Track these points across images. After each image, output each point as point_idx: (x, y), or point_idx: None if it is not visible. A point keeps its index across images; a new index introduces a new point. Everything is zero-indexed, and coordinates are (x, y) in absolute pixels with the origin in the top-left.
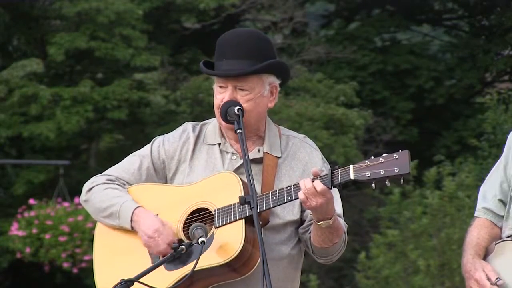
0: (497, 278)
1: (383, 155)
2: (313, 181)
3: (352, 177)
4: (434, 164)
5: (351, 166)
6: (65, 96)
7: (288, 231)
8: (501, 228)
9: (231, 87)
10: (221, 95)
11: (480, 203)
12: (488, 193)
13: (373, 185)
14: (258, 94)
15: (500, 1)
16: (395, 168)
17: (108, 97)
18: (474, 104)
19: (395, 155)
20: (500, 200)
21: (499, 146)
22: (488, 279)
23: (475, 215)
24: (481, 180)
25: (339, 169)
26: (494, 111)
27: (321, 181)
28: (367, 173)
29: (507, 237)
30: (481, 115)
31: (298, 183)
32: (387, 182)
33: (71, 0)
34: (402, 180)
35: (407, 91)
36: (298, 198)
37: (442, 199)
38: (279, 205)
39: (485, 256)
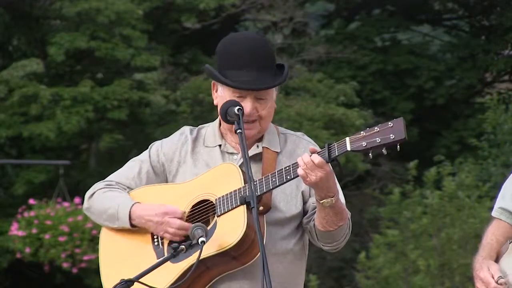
0: (499, 277)
1: (378, 125)
2: (310, 156)
3: (349, 148)
4: (434, 164)
5: (347, 138)
6: (65, 96)
7: (291, 226)
8: None
9: (251, 98)
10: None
11: (498, 202)
12: (508, 192)
13: (370, 154)
14: (271, 101)
15: (500, 1)
16: (391, 135)
17: (108, 97)
18: (474, 104)
19: (390, 123)
20: None
21: (499, 146)
22: (493, 277)
23: (492, 214)
24: (482, 180)
25: (335, 143)
26: (494, 111)
27: (318, 155)
28: (363, 143)
29: None
30: (481, 115)
31: (296, 162)
32: (384, 151)
33: (71, 0)
34: (398, 146)
35: (407, 91)
36: (297, 176)
37: (442, 199)
38: (279, 185)
39: (498, 257)
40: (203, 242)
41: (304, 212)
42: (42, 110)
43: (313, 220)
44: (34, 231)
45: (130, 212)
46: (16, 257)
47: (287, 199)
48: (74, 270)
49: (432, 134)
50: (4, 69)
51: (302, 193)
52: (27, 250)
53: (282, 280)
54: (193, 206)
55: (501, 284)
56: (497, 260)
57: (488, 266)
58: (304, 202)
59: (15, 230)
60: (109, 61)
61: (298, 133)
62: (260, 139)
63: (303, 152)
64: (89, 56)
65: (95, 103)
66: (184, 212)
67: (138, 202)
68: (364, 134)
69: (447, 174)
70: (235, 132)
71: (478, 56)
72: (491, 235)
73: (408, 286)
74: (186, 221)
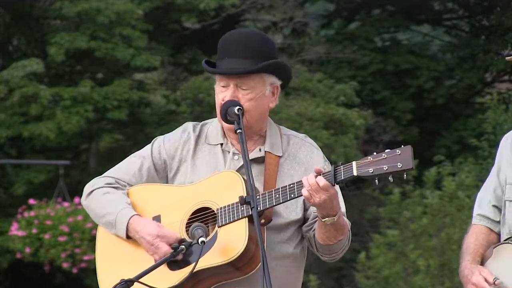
0: (495, 278)
1: (386, 151)
2: (316, 178)
3: (355, 173)
4: (434, 164)
5: (354, 163)
6: (65, 96)
7: (291, 230)
8: (498, 234)
9: (232, 85)
10: (222, 94)
11: (476, 210)
12: (483, 200)
13: (376, 181)
14: (259, 94)
15: (500, 1)
16: (398, 164)
17: (108, 97)
18: (474, 104)
19: (397, 151)
20: (495, 206)
21: None
22: (486, 281)
23: (472, 222)
24: (481, 180)
25: (342, 166)
26: (494, 111)
27: (324, 178)
28: (370, 169)
29: (504, 241)
30: (481, 115)
31: (301, 181)
32: (390, 178)
33: (71, 0)
34: (405, 175)
35: (407, 91)
36: (301, 195)
37: (442, 199)
38: (282, 202)
39: (483, 262)
40: (203, 242)
41: (305, 219)
42: (42, 110)
43: (313, 230)
44: (34, 231)
45: (127, 224)
46: (16, 257)
47: (287, 204)
48: (74, 270)
49: (432, 134)
50: (4, 69)
51: (304, 200)
52: (27, 250)
53: (282, 284)
54: (193, 213)
55: (497, 285)
56: (481, 265)
57: (479, 271)
58: (305, 209)
59: (15, 230)
60: (109, 61)
61: (301, 135)
62: (262, 142)
63: (305, 156)
64: (89, 56)
65: (95, 103)
66: (178, 238)
67: (137, 215)
68: (371, 159)
69: (447, 174)
70: (235, 132)
71: (478, 56)
72: (474, 241)
73: (408, 286)
74: (186, 228)
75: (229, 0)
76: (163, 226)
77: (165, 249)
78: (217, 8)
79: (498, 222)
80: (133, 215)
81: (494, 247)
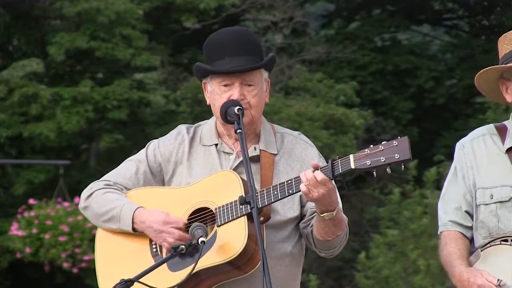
0: (498, 280)
1: (383, 142)
2: (313, 172)
3: (352, 166)
4: (434, 164)
5: (351, 156)
6: (65, 96)
7: (289, 229)
8: (470, 239)
9: (238, 83)
10: (227, 93)
11: (444, 217)
12: (449, 207)
13: (374, 173)
14: (261, 89)
15: (500, 1)
16: (396, 155)
17: (108, 97)
18: (474, 104)
19: (394, 142)
20: (466, 212)
21: None
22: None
23: (442, 230)
24: None
25: (339, 160)
26: (494, 111)
27: (321, 172)
28: (367, 161)
29: (488, 243)
30: (481, 115)
31: (299, 176)
32: (388, 170)
33: (71, 0)
34: (403, 166)
35: (407, 91)
36: (299, 191)
37: None
38: (280, 199)
39: (470, 266)
40: (203, 242)
41: (302, 215)
42: (42, 110)
43: (311, 226)
44: (34, 231)
45: (133, 216)
46: (16, 257)
47: (284, 202)
48: (75, 270)
49: (432, 134)
50: (4, 69)
51: (300, 196)
52: (27, 250)
53: (281, 283)
54: (192, 213)
55: (503, 285)
56: None
57: (480, 273)
58: (302, 206)
59: (15, 230)
60: (109, 61)
61: (295, 133)
62: (257, 141)
63: (300, 153)
64: (89, 56)
65: (95, 103)
66: (185, 223)
67: (141, 207)
68: (369, 152)
69: (447, 174)
70: (235, 132)
71: (478, 56)
72: (456, 246)
73: (408, 286)
74: (186, 228)
75: (229, 0)
76: (168, 213)
77: (177, 233)
78: (217, 8)
79: (470, 227)
80: (138, 207)
81: (482, 250)
